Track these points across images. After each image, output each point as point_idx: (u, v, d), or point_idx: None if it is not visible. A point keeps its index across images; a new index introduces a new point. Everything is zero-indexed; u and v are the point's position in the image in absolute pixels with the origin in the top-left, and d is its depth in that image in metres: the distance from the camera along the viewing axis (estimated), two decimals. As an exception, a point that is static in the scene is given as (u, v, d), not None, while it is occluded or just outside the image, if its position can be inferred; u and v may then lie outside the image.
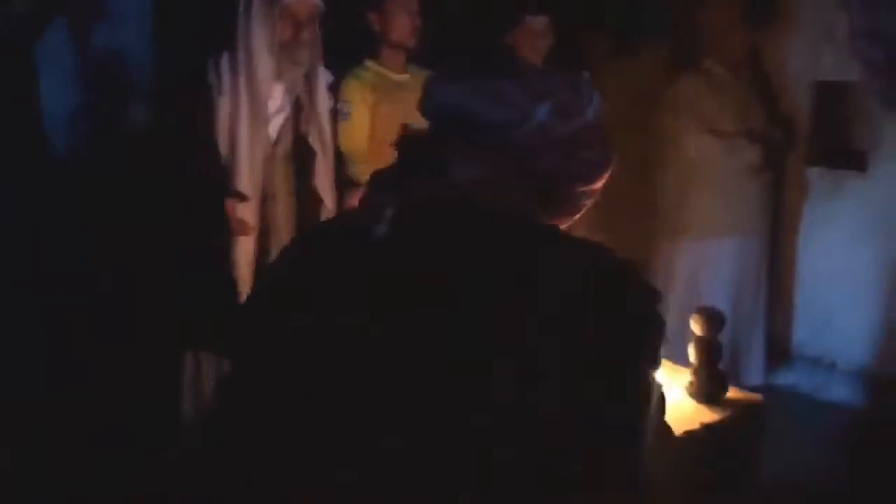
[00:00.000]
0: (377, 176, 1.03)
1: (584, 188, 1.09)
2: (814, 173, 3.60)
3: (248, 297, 1.06)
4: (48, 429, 2.17)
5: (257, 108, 2.39)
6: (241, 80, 2.37)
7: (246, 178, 2.41)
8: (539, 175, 1.03)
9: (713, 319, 1.71)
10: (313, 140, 2.53)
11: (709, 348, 1.71)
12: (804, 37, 3.54)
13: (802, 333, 3.54)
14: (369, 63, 2.84)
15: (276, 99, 2.45)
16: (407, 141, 1.06)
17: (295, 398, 0.91)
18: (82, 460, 2.20)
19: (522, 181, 1.02)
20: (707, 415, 1.65)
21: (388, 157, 2.75)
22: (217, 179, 2.37)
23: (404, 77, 2.86)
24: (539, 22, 3.02)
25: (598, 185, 1.11)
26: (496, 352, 0.87)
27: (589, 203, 1.12)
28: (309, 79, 2.49)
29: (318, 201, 2.58)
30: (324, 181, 2.56)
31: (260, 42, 2.34)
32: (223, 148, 2.39)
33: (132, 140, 2.54)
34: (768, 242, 3.48)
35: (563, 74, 1.04)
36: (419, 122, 2.84)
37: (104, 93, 2.76)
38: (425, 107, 1.04)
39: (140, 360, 2.42)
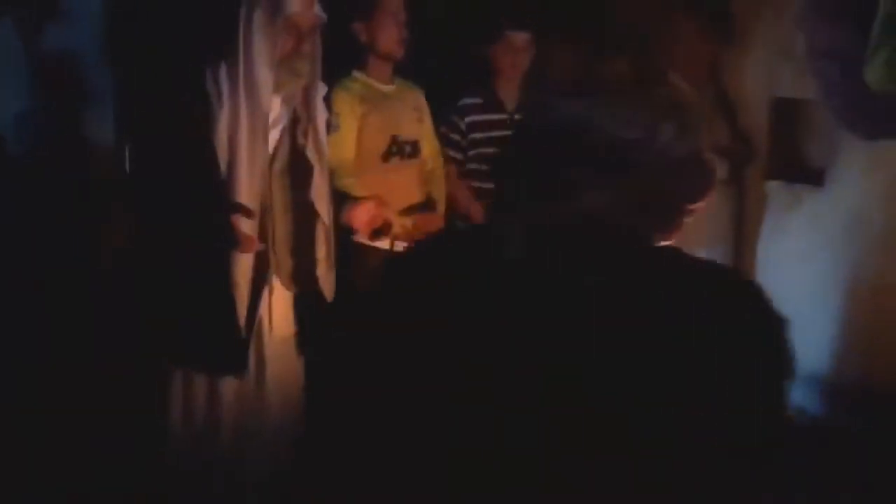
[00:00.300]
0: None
1: (691, 208, 1.09)
2: (772, 187, 3.69)
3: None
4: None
5: (257, 120, 2.32)
6: (241, 92, 2.30)
7: (245, 193, 2.34)
8: (659, 197, 1.02)
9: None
10: (310, 153, 2.48)
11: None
12: (761, 54, 3.64)
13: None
14: (357, 74, 2.81)
15: (274, 111, 2.38)
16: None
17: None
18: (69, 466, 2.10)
19: (644, 203, 1.01)
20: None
21: (376, 168, 2.74)
22: (217, 193, 2.29)
23: (391, 88, 2.85)
24: (520, 38, 3.04)
25: (703, 204, 1.11)
26: (664, 380, 0.86)
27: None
28: (307, 91, 2.44)
29: (315, 216, 2.53)
30: (321, 195, 2.51)
31: (261, 54, 2.28)
32: (221, 161, 2.31)
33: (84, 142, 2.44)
34: (732, 255, 3.56)
35: (679, 91, 1.04)
36: (407, 134, 2.83)
37: (55, 94, 2.65)
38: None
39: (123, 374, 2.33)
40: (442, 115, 3.09)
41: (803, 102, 3.58)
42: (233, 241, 2.22)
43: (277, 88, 2.34)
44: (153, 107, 2.29)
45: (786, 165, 3.68)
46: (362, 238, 2.72)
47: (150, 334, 2.28)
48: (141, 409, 2.36)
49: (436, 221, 2.87)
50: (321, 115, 2.50)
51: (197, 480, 2.43)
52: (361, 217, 2.60)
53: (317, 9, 2.34)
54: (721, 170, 3.38)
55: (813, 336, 3.48)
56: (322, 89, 2.44)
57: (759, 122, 3.70)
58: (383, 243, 2.82)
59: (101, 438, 2.23)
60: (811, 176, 3.61)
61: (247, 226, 2.26)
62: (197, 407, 2.41)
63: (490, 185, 3.17)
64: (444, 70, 3.11)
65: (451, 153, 3.10)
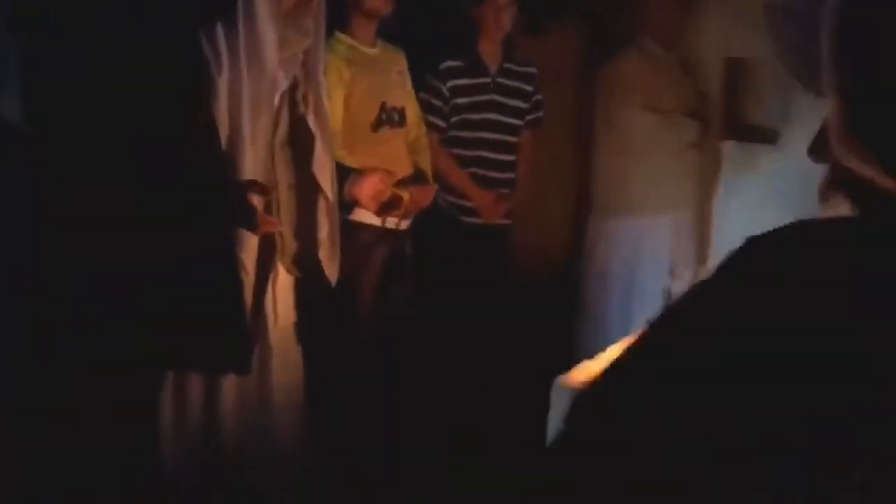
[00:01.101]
0: None
1: None
2: (727, 147, 3.67)
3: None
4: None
5: (261, 86, 2.04)
6: (242, 55, 2.01)
7: (250, 169, 2.05)
8: None
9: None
10: (311, 122, 2.21)
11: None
12: (715, 13, 3.58)
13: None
14: (341, 36, 2.55)
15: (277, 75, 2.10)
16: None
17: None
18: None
19: None
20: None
21: (366, 138, 2.48)
22: (222, 170, 1.99)
23: (375, 51, 2.60)
24: (503, -6, 2.86)
25: None
26: None
27: None
28: (308, 52, 2.16)
29: (317, 191, 2.27)
30: (323, 168, 2.25)
31: (265, 9, 1.99)
32: (223, 134, 2.01)
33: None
34: (697, 216, 3.52)
35: None
36: (394, 101, 2.58)
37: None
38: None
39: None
40: (421, 79, 2.85)
41: (756, 61, 3.57)
42: (251, 221, 1.94)
43: (282, 49, 2.06)
44: (135, 80, 1.95)
45: (739, 125, 3.67)
46: (367, 214, 2.47)
47: (149, 332, 1.97)
48: (139, 408, 2.05)
49: (430, 194, 2.65)
50: (323, 79, 2.23)
51: (198, 479, 2.16)
52: (368, 191, 2.35)
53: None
54: (691, 133, 3.32)
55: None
56: (398, 61, 2.17)
57: (712, 82, 3.66)
58: (375, 219, 2.58)
59: (99, 435, 1.92)
60: (764, 134, 3.61)
61: (261, 204, 1.99)
62: (195, 405, 2.13)
63: (476, 153, 2.99)
64: (422, 31, 2.87)
65: (433, 120, 2.88)
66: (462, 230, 3.01)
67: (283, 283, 2.25)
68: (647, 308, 3.29)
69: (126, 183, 1.92)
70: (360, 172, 2.38)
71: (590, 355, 3.14)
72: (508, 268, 3.19)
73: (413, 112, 2.75)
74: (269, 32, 2.01)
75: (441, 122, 2.93)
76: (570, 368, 3.05)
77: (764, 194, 3.59)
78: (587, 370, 1.75)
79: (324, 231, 2.30)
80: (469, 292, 2.98)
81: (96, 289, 1.92)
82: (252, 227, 1.97)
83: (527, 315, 3.17)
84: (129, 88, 1.91)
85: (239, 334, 2.08)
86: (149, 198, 1.92)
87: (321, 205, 2.29)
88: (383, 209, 2.42)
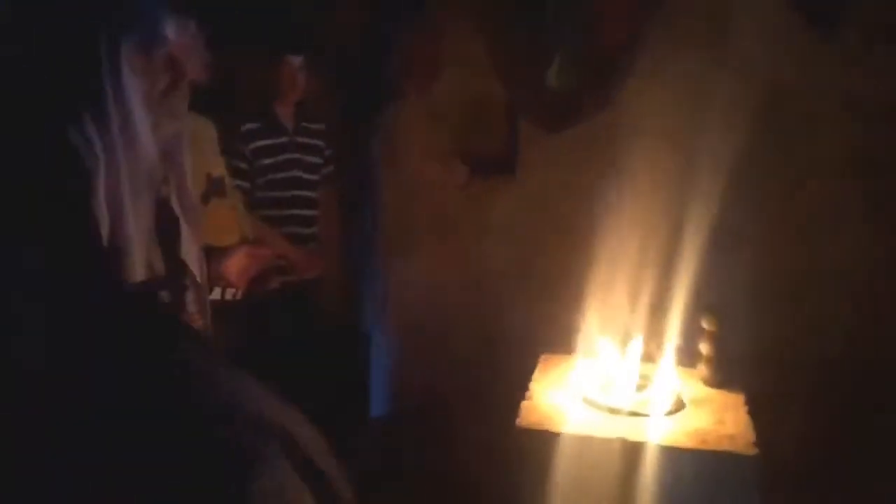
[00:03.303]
0: None
1: None
2: (474, 182, 3.99)
3: None
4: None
5: (140, 172, 1.85)
6: (117, 144, 1.81)
7: (137, 262, 1.86)
8: None
9: (720, 316, 1.97)
10: (175, 205, 2.05)
11: (718, 342, 1.97)
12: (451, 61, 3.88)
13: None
14: (160, 109, 2.38)
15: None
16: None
17: None
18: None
19: None
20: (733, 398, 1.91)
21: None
22: (107, 269, 1.79)
23: (190, 122, 2.47)
24: (297, 60, 2.88)
25: None
26: None
27: None
28: (173, 135, 2.01)
29: (186, 276, 2.11)
30: (191, 251, 2.08)
31: (136, 95, 1.80)
32: (104, 229, 1.81)
33: None
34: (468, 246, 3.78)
35: None
36: (215, 171, 2.54)
37: None
38: None
39: None
40: (221, 144, 2.76)
41: (486, 102, 3.95)
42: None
43: (154, 132, 1.90)
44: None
45: (479, 160, 4.01)
46: (225, 293, 2.34)
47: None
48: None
49: (268, 258, 2.57)
50: (187, 161, 2.08)
51: None
52: (235, 269, 2.23)
53: (190, 38, 1.93)
54: (462, 175, 3.58)
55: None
56: (211, 130, 2.03)
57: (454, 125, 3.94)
58: (214, 294, 2.46)
59: None
60: (501, 168, 3.99)
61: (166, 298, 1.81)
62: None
63: (282, 213, 2.95)
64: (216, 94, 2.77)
65: (239, 183, 2.79)
66: (280, 290, 2.94)
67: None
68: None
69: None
70: (223, 251, 2.25)
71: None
72: (318, 319, 3.18)
73: (229, 180, 2.66)
74: (143, 118, 1.82)
75: (246, 185, 2.85)
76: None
77: (508, 219, 3.96)
78: (533, 410, 1.87)
79: (196, 316, 2.14)
80: (294, 348, 2.95)
81: None
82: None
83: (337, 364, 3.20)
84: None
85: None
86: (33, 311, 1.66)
87: (190, 289, 2.12)
88: (253, 285, 2.31)
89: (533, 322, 3.03)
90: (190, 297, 2.03)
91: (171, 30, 1.76)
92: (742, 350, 2.06)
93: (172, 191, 1.94)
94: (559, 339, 2.24)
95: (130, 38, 1.72)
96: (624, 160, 3.61)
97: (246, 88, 2.93)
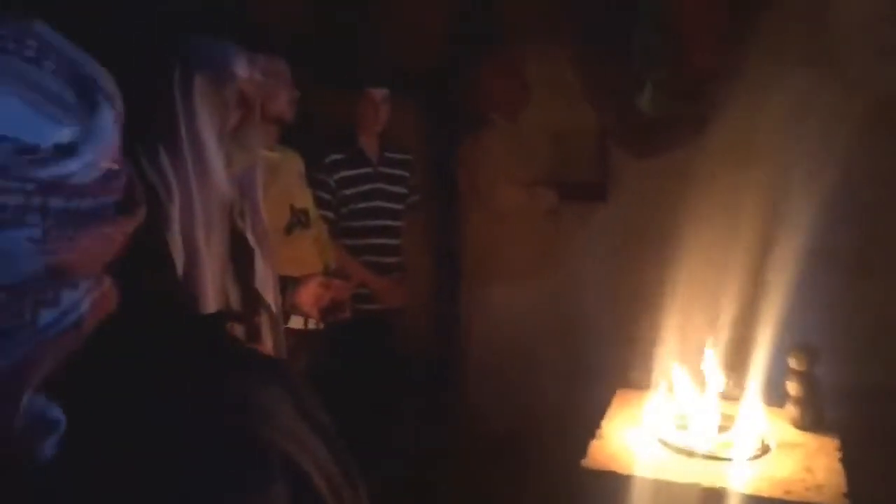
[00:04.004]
0: None
1: None
2: (565, 208, 3.89)
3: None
4: None
5: (213, 206, 1.88)
6: (191, 177, 1.84)
7: (210, 295, 1.88)
8: None
9: (811, 355, 1.81)
10: (251, 237, 2.07)
11: (809, 381, 1.81)
12: (540, 89, 3.82)
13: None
14: (245, 142, 2.41)
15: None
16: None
17: None
18: None
19: None
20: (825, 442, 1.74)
21: (280, 242, 2.40)
22: (183, 301, 1.81)
23: (277, 155, 2.51)
24: (379, 93, 2.88)
25: None
26: None
27: None
28: (246, 168, 2.03)
29: (261, 306, 2.12)
30: (265, 282, 2.10)
31: (208, 130, 1.85)
32: (179, 261, 1.83)
33: None
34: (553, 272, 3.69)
35: None
36: (300, 202, 2.53)
37: None
38: None
39: None
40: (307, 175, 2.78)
41: (578, 130, 3.86)
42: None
43: (228, 167, 1.92)
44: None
45: (571, 185, 3.91)
46: (293, 319, 2.34)
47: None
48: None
49: (349, 289, 2.56)
50: (259, 193, 2.10)
51: None
52: (309, 298, 2.23)
53: (259, 74, 1.95)
54: (549, 200, 3.49)
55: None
56: (297, 163, 2.05)
57: (545, 152, 3.88)
58: (297, 322, 2.46)
59: None
60: (593, 194, 3.88)
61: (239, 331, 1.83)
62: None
63: (366, 242, 2.95)
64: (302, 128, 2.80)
65: (323, 213, 2.80)
66: (362, 318, 2.93)
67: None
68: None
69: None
70: (297, 281, 2.26)
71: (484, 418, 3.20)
72: (401, 348, 3.16)
73: (314, 211, 2.67)
74: (216, 153, 1.87)
75: (330, 214, 2.86)
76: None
77: (601, 246, 3.85)
78: (602, 450, 1.77)
79: (269, 344, 2.15)
80: (376, 376, 2.93)
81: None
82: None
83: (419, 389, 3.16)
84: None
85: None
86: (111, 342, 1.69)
87: (264, 319, 2.13)
88: (326, 314, 2.31)
89: (618, 354, 2.91)
90: (265, 325, 2.05)
91: (241, 67, 1.78)
92: (839, 388, 1.90)
93: (247, 223, 1.96)
94: (642, 374, 2.12)
95: (203, 76, 1.75)
96: (718, 185, 3.45)
97: (331, 121, 2.96)
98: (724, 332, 2.12)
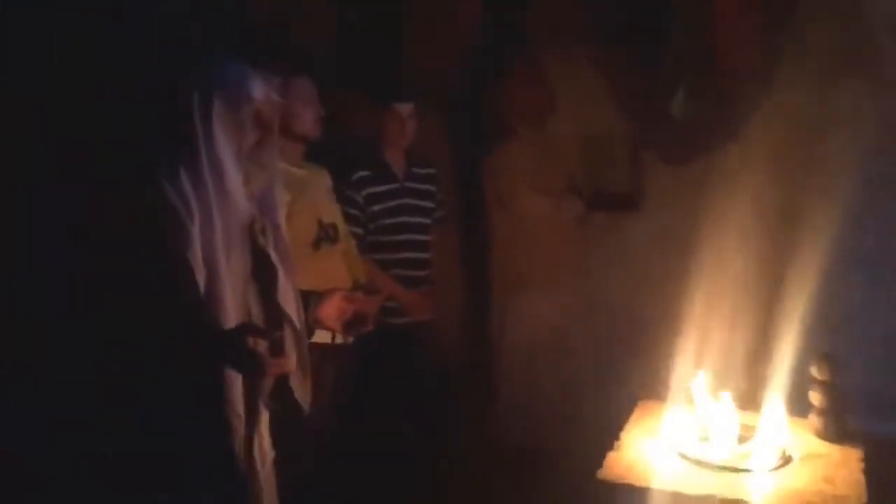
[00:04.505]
0: None
1: None
2: (596, 217, 3.86)
3: None
4: None
5: (233, 225, 1.93)
6: (211, 198, 1.89)
7: (231, 312, 1.92)
8: None
9: (834, 364, 1.77)
10: (272, 253, 2.11)
11: (833, 391, 1.77)
12: (568, 94, 3.79)
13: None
14: (272, 159, 2.46)
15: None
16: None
17: None
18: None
19: None
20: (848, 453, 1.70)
21: (307, 257, 2.43)
22: (209, 320, 1.85)
23: (304, 172, 2.55)
24: (406, 108, 2.91)
25: None
26: None
27: None
28: (266, 186, 2.07)
29: (285, 322, 2.15)
30: (288, 298, 2.14)
31: (226, 151, 1.89)
32: (201, 279, 1.88)
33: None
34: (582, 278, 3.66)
35: None
36: (327, 217, 2.57)
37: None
38: None
39: None
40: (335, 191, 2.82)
41: (609, 137, 3.83)
42: (258, 366, 1.81)
43: (246, 186, 1.96)
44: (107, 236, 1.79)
45: (600, 194, 3.88)
46: (319, 333, 2.38)
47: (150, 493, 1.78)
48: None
49: (377, 303, 2.59)
50: (281, 211, 2.14)
51: None
52: (332, 313, 2.26)
53: (276, 94, 1.99)
54: (577, 208, 3.48)
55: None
56: (325, 178, 2.08)
57: (575, 160, 3.86)
58: (325, 337, 2.49)
59: None
60: (625, 201, 3.85)
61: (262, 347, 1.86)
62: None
63: (394, 256, 2.98)
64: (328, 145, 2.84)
65: (352, 229, 2.84)
66: (391, 332, 2.96)
67: (262, 421, 2.10)
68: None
69: (113, 346, 1.74)
70: (320, 296, 2.29)
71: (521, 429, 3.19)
72: (432, 360, 3.18)
73: (342, 226, 2.71)
74: (234, 173, 1.91)
75: (359, 230, 2.90)
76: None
77: (632, 255, 3.81)
78: (619, 462, 1.77)
79: (292, 359, 2.18)
80: (405, 390, 2.95)
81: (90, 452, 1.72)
82: (260, 373, 1.84)
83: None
84: (103, 247, 1.75)
85: (238, 485, 1.92)
86: (138, 359, 1.75)
87: (288, 334, 2.17)
88: (349, 329, 2.33)
89: (645, 364, 2.89)
90: (288, 340, 2.09)
91: (257, 89, 1.83)
92: (864, 398, 1.86)
93: (269, 240, 2.01)
94: (664, 385, 2.11)
95: (220, 98, 1.80)
96: (750, 192, 3.40)
97: (357, 137, 3.00)
98: (743, 343, 2.09)
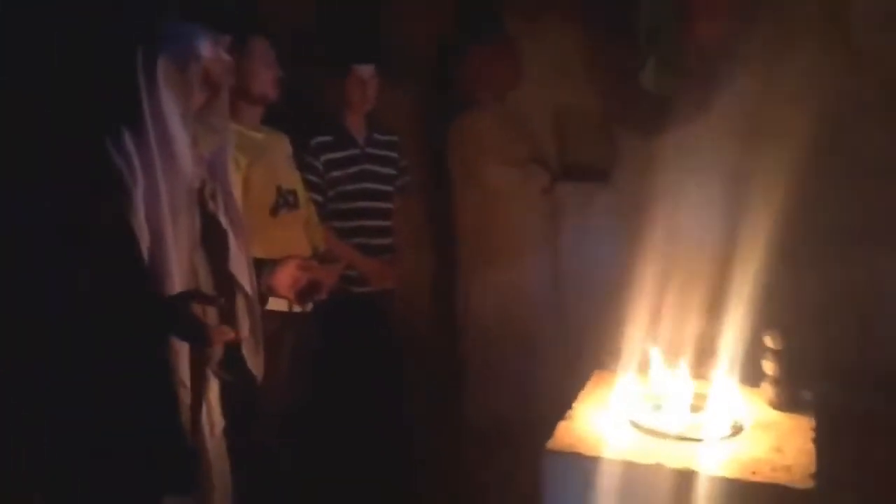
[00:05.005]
0: None
1: None
2: (565, 188, 3.83)
3: None
4: None
5: (179, 189, 1.87)
6: (156, 160, 1.83)
7: (177, 276, 1.87)
8: None
9: (787, 333, 1.76)
10: (222, 218, 2.06)
11: (785, 360, 1.76)
12: (537, 64, 3.73)
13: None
14: (227, 122, 2.40)
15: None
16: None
17: None
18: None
19: None
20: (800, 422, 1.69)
21: (265, 223, 2.38)
22: (152, 285, 1.80)
23: (262, 136, 2.50)
24: (367, 70, 2.84)
25: None
26: None
27: None
28: (216, 149, 2.02)
29: (235, 288, 2.11)
30: (240, 264, 2.09)
31: (173, 110, 1.83)
32: (145, 244, 1.83)
33: None
34: (554, 253, 3.64)
35: None
36: (287, 183, 2.51)
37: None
38: None
39: None
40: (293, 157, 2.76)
41: (580, 107, 3.79)
42: (202, 335, 1.77)
43: (194, 148, 1.90)
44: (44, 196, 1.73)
45: (571, 166, 3.85)
46: (275, 301, 2.33)
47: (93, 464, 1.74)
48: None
49: (337, 272, 2.55)
50: (232, 175, 2.09)
51: None
52: (286, 281, 2.21)
53: (226, 54, 1.93)
54: (543, 180, 3.44)
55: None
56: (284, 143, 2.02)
57: (545, 130, 3.82)
58: (282, 305, 2.45)
59: None
60: (597, 173, 3.81)
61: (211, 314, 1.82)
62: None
63: (354, 224, 2.93)
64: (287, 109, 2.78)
65: (312, 195, 2.79)
66: (353, 300, 2.92)
67: (211, 390, 2.06)
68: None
69: (49, 311, 1.69)
70: (275, 263, 2.24)
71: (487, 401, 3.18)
72: (395, 330, 3.15)
73: (302, 193, 2.66)
74: (181, 134, 1.85)
75: (319, 197, 2.85)
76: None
77: (601, 227, 3.78)
78: (570, 432, 1.74)
79: (245, 328, 2.14)
80: (368, 359, 2.92)
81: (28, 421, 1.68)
82: (204, 341, 1.79)
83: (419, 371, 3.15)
84: (40, 212, 1.69)
85: (183, 454, 1.88)
86: (77, 324, 1.70)
87: (240, 302, 2.12)
88: (303, 297, 2.29)
89: (609, 338, 2.87)
90: (240, 308, 2.04)
91: (205, 47, 1.77)
92: (818, 367, 1.85)
93: (219, 205, 1.95)
94: (616, 356, 2.08)
95: (166, 57, 1.74)
96: (721, 167, 3.37)
97: (317, 100, 2.93)
98: (701, 314, 2.07)
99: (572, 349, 3.25)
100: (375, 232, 2.97)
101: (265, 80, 2.38)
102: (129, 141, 1.81)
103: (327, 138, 2.85)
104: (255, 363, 2.17)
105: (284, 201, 2.50)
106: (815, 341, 2.03)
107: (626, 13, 3.64)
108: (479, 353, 3.36)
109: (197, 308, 1.78)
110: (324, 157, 2.83)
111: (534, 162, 3.47)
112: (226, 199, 2.07)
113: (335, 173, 2.85)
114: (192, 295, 1.79)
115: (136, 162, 1.81)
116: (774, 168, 3.22)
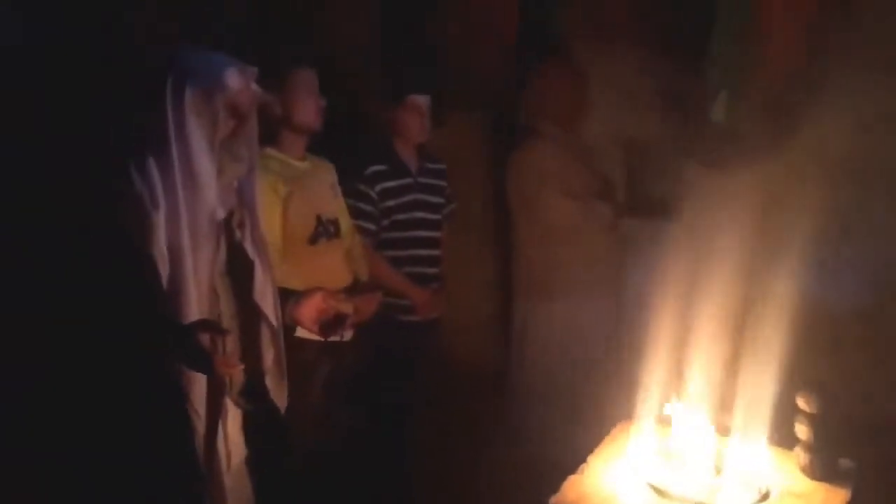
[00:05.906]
0: None
1: None
2: (632, 225, 3.67)
3: None
4: None
5: (201, 218, 1.86)
6: (178, 187, 1.83)
7: (194, 304, 1.86)
8: None
9: (823, 394, 1.59)
10: (249, 247, 2.04)
11: (820, 425, 1.59)
12: (606, 96, 3.62)
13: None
14: (271, 151, 2.41)
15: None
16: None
17: None
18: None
19: None
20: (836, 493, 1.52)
21: (303, 252, 2.34)
22: (165, 313, 1.79)
23: (306, 164, 2.48)
24: (422, 100, 2.80)
25: None
26: None
27: None
28: (243, 178, 2.01)
29: (260, 318, 2.08)
30: (265, 295, 2.07)
31: (199, 139, 1.83)
32: (164, 271, 1.82)
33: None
34: (618, 290, 3.49)
35: None
36: (328, 213, 2.47)
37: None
38: None
39: None
40: (344, 185, 2.73)
41: (648, 141, 3.64)
42: (205, 365, 1.74)
43: (219, 177, 1.89)
44: (64, 223, 1.74)
45: (639, 202, 3.70)
46: (310, 335, 2.30)
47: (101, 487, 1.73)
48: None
49: (374, 302, 2.50)
50: (258, 204, 2.07)
51: None
52: (309, 313, 2.18)
53: (254, 84, 1.92)
54: (607, 216, 3.31)
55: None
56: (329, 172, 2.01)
57: (613, 164, 3.69)
58: (315, 335, 2.41)
59: None
60: (664, 210, 3.64)
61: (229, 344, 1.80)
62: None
63: (407, 253, 2.88)
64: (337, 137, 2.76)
65: (364, 224, 2.75)
66: (401, 329, 2.88)
67: (232, 419, 2.04)
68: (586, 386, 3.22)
69: (64, 336, 1.70)
70: (300, 294, 2.21)
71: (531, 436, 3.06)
72: (442, 360, 3.08)
73: (346, 222, 2.63)
74: (206, 162, 1.85)
75: (372, 226, 2.81)
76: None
77: (666, 266, 3.60)
78: (578, 487, 1.63)
79: (269, 358, 2.11)
80: (413, 389, 2.87)
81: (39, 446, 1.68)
82: (207, 371, 1.77)
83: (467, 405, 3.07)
84: (58, 232, 1.71)
85: (193, 484, 1.86)
86: (91, 349, 1.70)
87: (264, 332, 2.10)
88: (327, 329, 2.25)
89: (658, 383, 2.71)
90: (264, 338, 2.02)
91: (232, 78, 1.76)
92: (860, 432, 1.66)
93: (247, 235, 1.94)
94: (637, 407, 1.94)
95: (194, 87, 1.74)
96: (796, 205, 3.16)
97: (370, 130, 2.91)
98: (727, 370, 1.91)
99: (626, 394, 3.10)
100: (427, 261, 2.92)
101: (308, 109, 2.37)
102: (153, 168, 1.82)
103: (382, 167, 2.82)
104: (278, 394, 2.14)
105: (324, 230, 2.47)
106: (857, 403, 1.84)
107: (698, 43, 3.49)
108: (535, 386, 3.25)
109: (204, 337, 1.76)
110: (378, 187, 2.80)
111: (598, 197, 3.35)
112: (253, 229, 2.05)
113: (389, 203, 2.81)
114: (203, 325, 1.77)
115: (159, 188, 1.81)
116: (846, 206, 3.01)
